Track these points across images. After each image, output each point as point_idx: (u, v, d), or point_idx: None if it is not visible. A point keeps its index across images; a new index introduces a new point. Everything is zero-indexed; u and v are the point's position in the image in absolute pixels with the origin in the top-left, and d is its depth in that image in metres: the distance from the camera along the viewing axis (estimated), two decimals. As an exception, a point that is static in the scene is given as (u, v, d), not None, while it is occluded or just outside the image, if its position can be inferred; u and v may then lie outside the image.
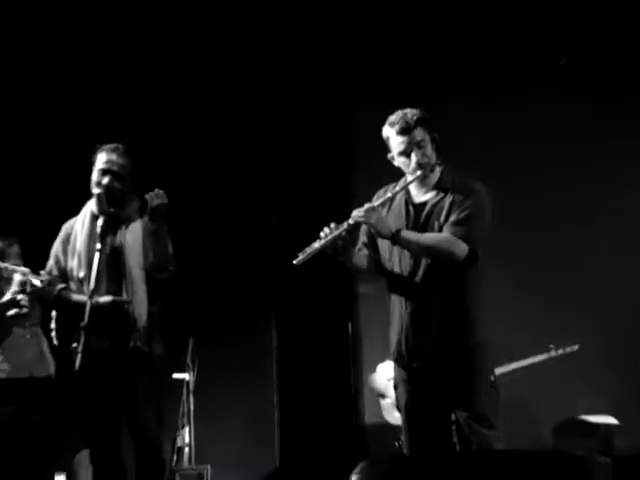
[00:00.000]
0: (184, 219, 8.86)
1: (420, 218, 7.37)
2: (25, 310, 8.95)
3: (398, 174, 7.54)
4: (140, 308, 8.22)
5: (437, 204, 7.36)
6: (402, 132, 7.34)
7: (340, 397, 11.91)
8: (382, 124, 7.81)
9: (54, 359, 9.94)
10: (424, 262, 7.27)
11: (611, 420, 10.68)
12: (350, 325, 11.89)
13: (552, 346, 10.20)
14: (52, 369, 9.96)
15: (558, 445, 10.07)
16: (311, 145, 12.46)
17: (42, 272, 8.45)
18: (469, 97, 8.11)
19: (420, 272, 7.29)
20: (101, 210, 8.28)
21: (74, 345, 8.04)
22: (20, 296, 8.76)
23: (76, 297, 8.12)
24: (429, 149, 7.36)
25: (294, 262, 7.28)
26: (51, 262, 8.52)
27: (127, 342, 8.14)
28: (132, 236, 8.36)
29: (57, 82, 11.65)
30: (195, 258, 8.78)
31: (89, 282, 8.02)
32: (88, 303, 7.93)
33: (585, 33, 11.67)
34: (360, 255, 7.52)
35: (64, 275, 8.37)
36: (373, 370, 11.15)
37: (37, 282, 8.37)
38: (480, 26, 11.49)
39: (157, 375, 8.45)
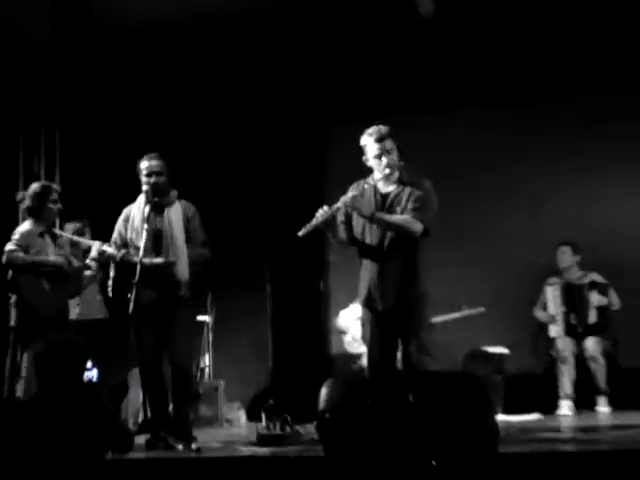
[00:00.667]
0: (209, 211, 9.01)
1: (386, 204, 7.75)
2: (94, 272, 9.24)
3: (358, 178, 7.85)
4: (183, 268, 8.40)
5: (398, 194, 7.76)
6: (377, 141, 7.73)
7: (314, 334, 12.08)
8: (351, 142, 8.09)
9: (107, 307, 10.12)
10: (388, 235, 7.62)
11: (503, 350, 10.84)
12: (322, 284, 12.13)
13: (465, 306, 10.36)
14: (106, 314, 10.15)
15: (466, 368, 10.19)
16: (297, 157, 12.43)
17: (110, 243, 8.70)
18: (418, 118, 8.12)
19: (386, 242, 7.64)
20: (148, 200, 8.48)
21: (128, 296, 8.29)
22: (91, 262, 9.05)
23: (135, 259, 8.27)
24: (395, 155, 7.75)
25: (298, 234, 7.67)
26: (115, 235, 8.64)
27: (172, 293, 8.35)
28: (175, 216, 8.53)
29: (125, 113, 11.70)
30: (214, 236, 8.88)
31: (141, 249, 8.26)
32: (139, 265, 8.20)
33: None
34: (341, 230, 7.82)
35: (125, 244, 8.51)
36: (337, 315, 11.34)
37: (110, 250, 8.60)
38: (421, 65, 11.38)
39: (188, 317, 8.73)
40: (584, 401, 10.59)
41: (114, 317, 9.64)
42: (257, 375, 12.16)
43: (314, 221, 7.62)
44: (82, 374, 6.58)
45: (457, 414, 6.37)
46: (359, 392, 6.68)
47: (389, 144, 7.76)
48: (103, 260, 8.83)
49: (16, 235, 9.01)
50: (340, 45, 11.49)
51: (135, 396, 10.24)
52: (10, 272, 8.93)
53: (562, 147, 11.68)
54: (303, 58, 11.71)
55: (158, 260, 8.34)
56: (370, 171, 7.88)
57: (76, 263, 9.18)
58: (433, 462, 6.12)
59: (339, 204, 7.63)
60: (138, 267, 8.22)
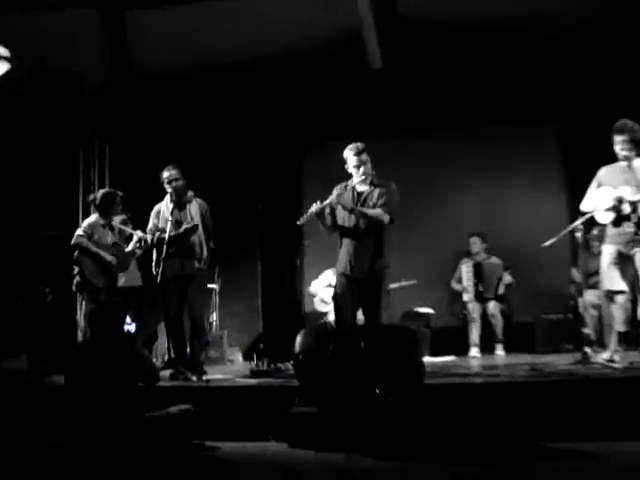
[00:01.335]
0: (216, 208, 8.98)
1: (360, 200, 7.72)
2: (136, 254, 9.24)
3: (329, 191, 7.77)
4: (201, 247, 8.44)
5: (370, 193, 7.74)
6: (356, 154, 7.71)
7: (292, 297, 12.09)
8: (322, 158, 8.18)
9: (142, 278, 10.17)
10: (361, 222, 7.61)
11: (430, 311, 10.91)
12: (298, 261, 12.10)
13: (403, 279, 10.36)
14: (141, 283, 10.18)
15: (403, 323, 10.22)
16: (281, 168, 12.41)
17: (146, 232, 8.78)
18: (372, 140, 8.10)
19: (360, 228, 7.62)
20: (172, 200, 8.44)
21: (157, 269, 8.29)
22: (136, 249, 9.07)
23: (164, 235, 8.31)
24: (369, 165, 7.74)
25: (297, 223, 7.71)
26: (150, 225, 8.63)
27: (192, 266, 8.37)
28: (195, 210, 8.53)
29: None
30: (220, 227, 8.88)
31: (167, 235, 8.28)
32: (165, 247, 8.20)
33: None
34: (328, 219, 7.75)
35: (157, 231, 8.52)
36: (309, 284, 11.37)
37: (147, 237, 8.70)
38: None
39: (203, 285, 8.82)
40: (487, 347, 10.69)
41: (148, 285, 9.59)
42: (250, 327, 12.18)
43: (309, 212, 7.60)
44: (123, 327, 6.60)
45: (395, 356, 6.45)
46: (324, 339, 6.77)
47: (364, 157, 7.75)
48: (142, 246, 8.87)
49: (85, 224, 9.05)
50: (314, 86, 11.41)
51: (162, 342, 10.28)
52: (76, 251, 8.91)
53: (474, 164, 11.73)
54: (284, 97, 11.63)
55: (185, 226, 8.33)
56: (350, 176, 7.82)
57: (125, 248, 9.19)
58: (377, 390, 6.20)
59: (328, 200, 7.62)
60: (164, 246, 8.21)
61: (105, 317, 6.45)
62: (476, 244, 11.12)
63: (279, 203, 12.43)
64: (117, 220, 9.62)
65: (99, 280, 8.95)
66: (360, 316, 7.95)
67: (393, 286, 9.29)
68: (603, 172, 7.86)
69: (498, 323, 10.69)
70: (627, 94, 10.07)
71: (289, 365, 7.80)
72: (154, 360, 9.21)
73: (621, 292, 7.77)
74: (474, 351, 10.62)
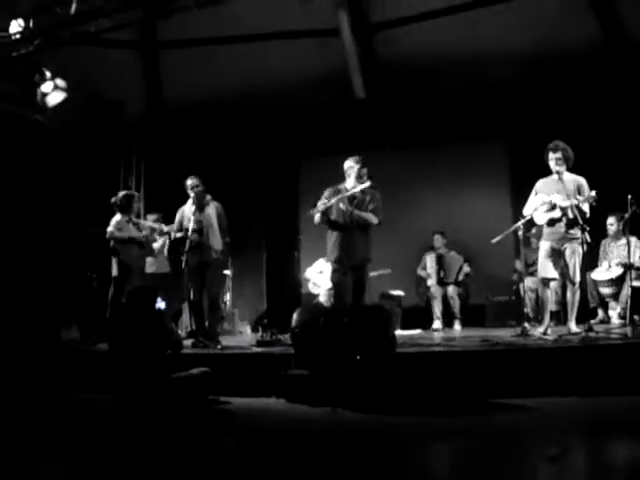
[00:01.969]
0: (231, 211, 9.01)
1: (354, 204, 7.64)
2: (161, 246, 9.28)
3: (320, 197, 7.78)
4: (216, 242, 8.47)
5: (361, 198, 7.68)
6: (362, 166, 7.70)
7: (291, 281, 12.03)
8: (315, 171, 8.17)
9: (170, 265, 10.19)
10: (355, 221, 7.56)
11: (401, 293, 10.89)
12: (296, 252, 12.13)
13: (380, 268, 10.31)
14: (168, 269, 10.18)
15: (379, 303, 10.22)
16: (280, 179, 12.46)
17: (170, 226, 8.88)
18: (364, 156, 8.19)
19: (352, 224, 7.55)
20: (193, 203, 8.49)
21: (182, 259, 8.31)
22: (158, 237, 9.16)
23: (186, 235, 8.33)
24: (366, 176, 7.70)
25: (317, 208, 7.61)
26: (176, 223, 8.69)
27: (210, 256, 8.38)
28: (212, 212, 8.55)
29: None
30: (234, 226, 8.90)
31: (190, 232, 8.31)
32: (188, 241, 8.25)
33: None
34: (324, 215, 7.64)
35: (181, 229, 8.55)
36: (304, 271, 11.36)
37: (167, 228, 8.80)
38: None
39: (219, 272, 8.84)
40: (447, 322, 10.70)
41: (174, 271, 9.60)
42: (257, 305, 12.22)
43: (320, 209, 7.55)
44: (154, 305, 6.63)
45: (373, 329, 6.46)
46: (315, 316, 6.79)
47: (365, 170, 7.73)
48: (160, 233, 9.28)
49: (112, 222, 9.11)
50: (308, 113, 11.42)
51: (185, 318, 10.30)
52: (111, 243, 9.00)
53: (437, 176, 11.74)
54: (284, 122, 11.68)
55: (191, 226, 8.35)
56: (343, 179, 7.79)
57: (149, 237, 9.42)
58: (357, 357, 6.22)
59: (334, 200, 7.54)
60: (187, 242, 8.23)
61: (140, 297, 6.48)
62: (438, 240, 11.14)
63: (280, 207, 12.50)
64: (151, 218, 9.73)
65: (135, 263, 9.13)
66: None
67: (373, 274, 9.31)
68: (540, 183, 7.93)
69: (456, 303, 10.73)
70: (560, 119, 10.13)
71: (287, 336, 7.81)
72: (179, 332, 9.21)
73: (553, 279, 7.87)
74: (437, 323, 10.61)
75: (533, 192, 7.95)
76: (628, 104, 10.23)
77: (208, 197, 8.70)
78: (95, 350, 8.36)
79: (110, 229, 9.03)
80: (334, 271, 7.78)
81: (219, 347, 8.08)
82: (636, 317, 8.09)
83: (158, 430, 5.50)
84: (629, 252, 8.47)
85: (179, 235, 8.63)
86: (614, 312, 9.27)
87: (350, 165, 7.79)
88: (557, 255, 7.73)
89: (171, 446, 4.94)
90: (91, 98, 10.23)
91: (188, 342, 8.27)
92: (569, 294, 7.81)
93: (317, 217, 7.70)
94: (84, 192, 10.72)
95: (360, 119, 11.35)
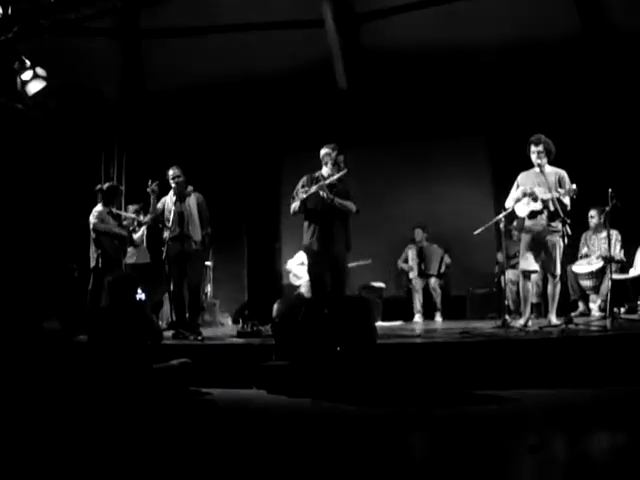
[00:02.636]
0: (213, 203, 9.00)
1: (333, 192, 7.50)
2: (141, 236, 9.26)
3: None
4: (196, 233, 8.41)
5: (337, 186, 7.56)
6: (338, 153, 7.63)
7: (272, 272, 12.12)
8: (298, 164, 8.10)
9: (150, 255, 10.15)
10: (332, 209, 7.44)
11: (381, 284, 10.90)
12: (277, 244, 12.17)
13: (361, 259, 10.30)
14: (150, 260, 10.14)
15: (360, 294, 10.24)
16: (263, 173, 12.43)
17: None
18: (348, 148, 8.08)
19: (330, 213, 7.45)
20: (174, 193, 8.46)
21: (163, 249, 8.33)
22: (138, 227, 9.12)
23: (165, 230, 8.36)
24: (342, 164, 7.63)
25: (303, 196, 7.49)
26: (159, 209, 8.58)
27: (190, 246, 8.32)
28: (192, 203, 8.50)
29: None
30: (216, 218, 8.87)
31: (170, 221, 8.31)
32: (169, 231, 8.29)
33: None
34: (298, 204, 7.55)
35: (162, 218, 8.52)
36: (285, 262, 11.36)
37: (145, 219, 8.84)
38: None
39: (199, 262, 8.73)
40: (428, 314, 10.76)
41: (155, 262, 9.58)
42: (238, 297, 12.20)
43: (301, 197, 7.47)
44: (135, 295, 6.60)
45: (353, 320, 6.47)
46: (296, 307, 6.78)
47: (341, 157, 7.69)
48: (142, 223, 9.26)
49: (95, 213, 9.06)
50: (291, 104, 11.41)
51: (166, 308, 10.25)
52: (94, 234, 8.96)
53: (420, 169, 11.76)
54: (267, 112, 11.64)
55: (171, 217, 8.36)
56: (320, 167, 7.73)
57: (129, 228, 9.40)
58: (338, 348, 6.22)
59: (314, 189, 7.44)
60: (169, 232, 8.25)
61: (121, 287, 6.46)
62: (419, 233, 11.24)
63: (262, 198, 12.45)
64: (131, 209, 9.70)
65: (116, 255, 9.08)
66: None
67: (352, 265, 9.32)
68: (521, 176, 7.95)
69: (437, 295, 10.83)
70: (540, 113, 10.15)
71: (268, 328, 7.80)
72: (160, 323, 9.18)
73: (534, 271, 7.91)
74: (417, 317, 10.74)
75: (515, 185, 7.97)
76: (608, 94, 10.27)
77: (190, 188, 8.65)
78: (75, 341, 8.31)
79: (93, 220, 9.00)
80: (313, 262, 7.68)
81: (199, 338, 8.06)
82: (616, 310, 8.18)
83: (138, 420, 5.47)
84: (609, 245, 8.52)
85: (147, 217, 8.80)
86: (594, 305, 9.33)
87: (327, 152, 7.71)
88: (538, 248, 7.76)
89: (152, 436, 4.92)
90: (72, 87, 10.16)
91: (169, 333, 8.24)
92: (550, 286, 7.85)
93: (296, 205, 7.60)
94: (65, 182, 10.64)
95: (343, 111, 11.33)
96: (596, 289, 9.32)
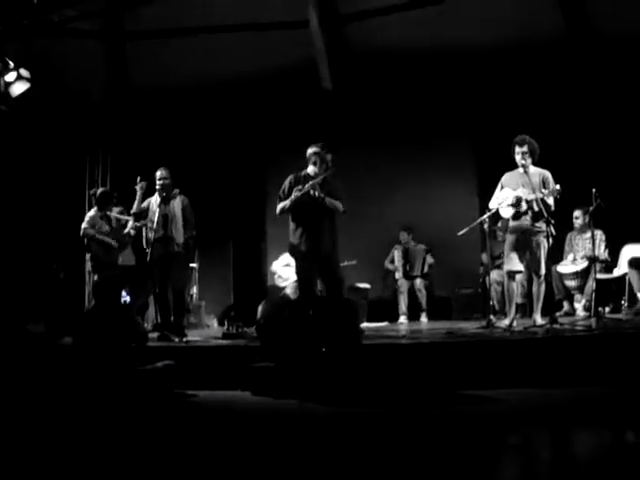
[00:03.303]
0: (200, 205, 8.99)
1: (323, 191, 7.43)
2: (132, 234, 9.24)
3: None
4: (179, 235, 8.39)
5: (325, 185, 7.51)
6: (328, 152, 7.61)
7: (257, 274, 12.09)
8: (284, 166, 8.07)
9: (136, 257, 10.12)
10: (321, 209, 7.40)
11: (367, 285, 10.89)
12: (263, 245, 12.16)
13: (346, 260, 10.27)
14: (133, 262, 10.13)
15: (345, 295, 10.23)
16: (250, 174, 12.35)
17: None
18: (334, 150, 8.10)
19: (319, 212, 7.40)
20: (160, 195, 8.44)
21: (148, 250, 8.31)
22: (132, 231, 9.08)
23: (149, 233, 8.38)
24: (331, 163, 7.61)
25: (293, 195, 7.41)
26: (144, 207, 8.56)
27: (173, 249, 8.30)
28: (177, 205, 8.47)
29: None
30: (202, 219, 8.85)
31: (155, 223, 8.27)
32: (154, 233, 8.26)
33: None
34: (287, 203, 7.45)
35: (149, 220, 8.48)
36: (270, 264, 11.31)
37: (138, 224, 8.76)
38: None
39: (182, 264, 8.64)
40: (413, 315, 10.78)
41: (140, 264, 9.55)
42: (224, 299, 12.14)
43: (295, 196, 7.38)
44: (120, 297, 6.59)
45: (339, 321, 6.45)
46: (280, 308, 6.76)
47: (330, 156, 7.64)
48: (135, 228, 8.95)
49: (87, 218, 9.17)
50: (276, 106, 11.42)
51: (152, 310, 10.19)
52: (85, 240, 9.09)
53: (406, 170, 11.67)
54: (252, 113, 11.63)
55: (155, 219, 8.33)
56: (306, 166, 7.68)
57: (122, 233, 9.31)
58: (323, 349, 6.21)
59: (307, 188, 7.36)
60: (152, 234, 8.23)
61: (105, 289, 6.44)
62: (404, 234, 11.26)
63: (248, 200, 12.37)
64: (115, 211, 9.66)
65: (106, 259, 9.14)
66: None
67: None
68: (505, 177, 7.96)
69: (423, 296, 10.84)
70: (525, 114, 10.17)
71: (253, 329, 7.78)
72: (145, 325, 9.15)
73: (519, 272, 7.92)
74: (402, 318, 10.74)
75: (499, 185, 7.99)
76: (592, 96, 10.32)
77: (176, 191, 8.63)
78: (60, 344, 8.27)
79: (84, 225, 9.08)
80: (302, 263, 7.62)
81: (184, 340, 8.04)
82: (601, 309, 8.21)
83: (123, 423, 5.45)
84: (594, 245, 8.56)
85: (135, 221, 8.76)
86: (579, 304, 9.38)
87: (315, 151, 7.65)
88: (522, 248, 7.77)
89: (137, 438, 4.90)
90: (55, 88, 10.13)
91: (154, 335, 8.22)
92: (535, 287, 7.86)
93: (286, 205, 7.52)
94: (50, 184, 10.62)
95: (328, 112, 11.30)
96: (581, 289, 9.37)
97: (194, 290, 11.54)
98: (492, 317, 8.15)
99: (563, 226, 9.04)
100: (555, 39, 10.10)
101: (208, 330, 10.77)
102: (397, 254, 11.17)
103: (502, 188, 7.93)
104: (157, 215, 8.33)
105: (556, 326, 7.38)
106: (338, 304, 6.99)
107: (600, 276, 8.85)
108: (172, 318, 8.44)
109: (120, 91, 11.57)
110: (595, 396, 5.71)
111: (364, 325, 9.47)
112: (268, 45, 10.89)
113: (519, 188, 7.69)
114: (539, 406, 5.54)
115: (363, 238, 11.30)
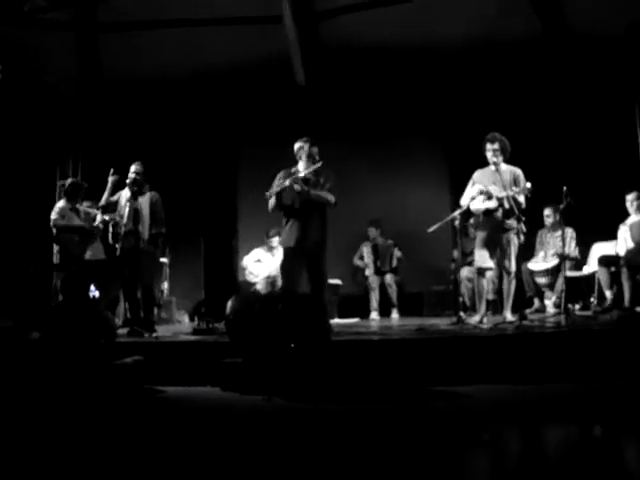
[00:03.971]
0: (171, 199, 8.93)
1: (308, 185, 7.42)
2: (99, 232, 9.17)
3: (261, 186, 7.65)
4: (145, 231, 8.28)
5: (314, 179, 7.50)
6: (311, 145, 7.52)
7: (228, 270, 11.99)
8: (255, 159, 8.02)
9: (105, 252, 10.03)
10: (308, 204, 7.36)
11: (338, 281, 10.85)
12: (234, 241, 12.10)
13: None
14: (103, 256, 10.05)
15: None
16: (220, 167, 12.25)
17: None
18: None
19: (306, 207, 7.37)
20: (131, 189, 8.39)
21: (117, 245, 8.29)
22: (100, 225, 9.01)
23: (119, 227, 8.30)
24: (317, 156, 7.54)
25: (266, 194, 7.37)
26: (114, 199, 8.49)
27: (141, 245, 8.21)
28: (146, 200, 8.39)
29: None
30: (172, 214, 8.80)
31: (124, 218, 8.26)
32: (123, 227, 8.23)
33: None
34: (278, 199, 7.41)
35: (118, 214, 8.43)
36: (241, 260, 11.31)
37: (106, 218, 8.68)
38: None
39: (150, 259, 8.46)
40: (385, 311, 10.78)
41: (110, 258, 9.47)
42: (194, 294, 12.04)
43: (272, 190, 7.35)
44: (88, 292, 6.53)
45: (307, 317, 6.42)
46: (250, 304, 6.71)
47: (315, 149, 7.57)
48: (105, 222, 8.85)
49: (56, 209, 9.08)
50: (248, 101, 11.38)
51: (122, 306, 10.14)
52: (55, 231, 8.98)
53: (377, 167, 11.67)
54: (224, 106, 11.56)
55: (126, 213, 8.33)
56: (296, 163, 7.61)
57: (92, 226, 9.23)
58: (292, 345, 6.18)
59: (287, 183, 7.31)
60: (123, 228, 8.17)
61: (72, 284, 6.37)
62: (372, 231, 11.27)
63: (219, 195, 12.28)
64: (85, 205, 9.58)
65: (78, 250, 9.09)
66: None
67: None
68: (477, 174, 7.98)
69: (393, 291, 10.85)
70: (497, 112, 10.24)
71: (222, 325, 7.74)
72: (116, 320, 9.08)
73: (489, 269, 7.92)
74: (374, 314, 10.72)
75: (470, 182, 8.01)
76: (564, 95, 10.40)
77: (147, 186, 8.57)
78: (28, 339, 8.19)
79: (54, 216, 9.00)
80: (287, 258, 7.61)
81: (154, 336, 7.98)
82: (570, 306, 8.24)
83: (91, 419, 5.39)
84: (564, 243, 8.60)
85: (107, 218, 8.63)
86: (550, 301, 9.44)
87: (300, 146, 7.61)
88: (493, 245, 7.79)
89: (104, 434, 4.85)
90: (26, 80, 10.03)
91: (124, 331, 8.18)
92: (505, 283, 7.90)
93: (272, 202, 7.50)
94: (20, 178, 10.52)
95: (301, 107, 11.32)
96: (551, 286, 9.43)
97: (165, 286, 11.45)
98: (462, 314, 8.15)
99: (534, 224, 9.09)
100: (529, 37, 10.17)
101: (179, 326, 10.72)
102: (366, 250, 11.16)
103: (473, 185, 7.94)
104: (127, 209, 8.28)
105: (526, 323, 7.44)
106: (307, 300, 6.97)
107: (570, 274, 8.92)
108: (142, 313, 8.38)
109: (92, 83, 11.48)
110: (564, 392, 5.75)
111: (335, 321, 9.47)
112: (242, 39, 10.90)
113: (490, 185, 7.71)
114: (508, 402, 5.56)
115: (334, 234, 11.17)
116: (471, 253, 8.94)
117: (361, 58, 10.88)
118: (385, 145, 11.74)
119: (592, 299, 9.22)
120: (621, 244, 9.00)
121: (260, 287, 10.49)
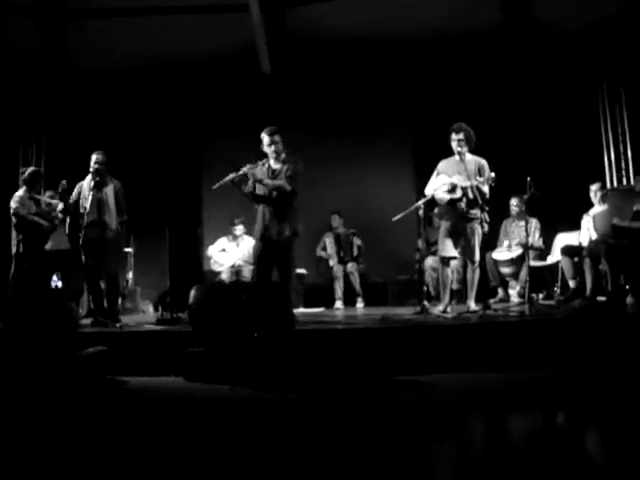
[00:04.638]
0: (135, 189, 8.87)
1: (275, 175, 7.40)
2: (59, 221, 9.06)
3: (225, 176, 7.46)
4: (112, 221, 8.24)
5: (281, 169, 7.43)
6: (270, 135, 7.42)
7: (193, 259, 11.96)
8: (219, 151, 7.93)
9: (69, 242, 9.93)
10: (274, 193, 7.34)
11: (303, 271, 10.88)
12: (199, 230, 12.01)
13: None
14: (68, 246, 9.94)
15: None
16: (184, 159, 12.23)
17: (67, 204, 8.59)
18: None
19: (273, 196, 7.35)
20: (94, 179, 8.26)
21: (80, 234, 8.18)
22: (59, 215, 8.87)
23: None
24: (280, 145, 7.45)
25: (213, 187, 7.26)
26: (74, 198, 8.39)
27: (106, 235, 8.15)
28: (110, 190, 8.31)
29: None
30: (136, 203, 8.72)
31: (87, 208, 8.15)
32: (86, 217, 8.13)
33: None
34: (247, 188, 7.43)
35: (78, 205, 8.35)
36: (207, 249, 11.23)
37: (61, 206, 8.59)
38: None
39: (114, 249, 8.44)
40: (349, 302, 10.77)
41: (74, 248, 9.36)
42: (159, 284, 11.95)
43: (224, 180, 7.22)
44: (50, 283, 6.45)
45: (270, 306, 6.39)
46: (213, 293, 6.66)
47: (277, 137, 7.46)
48: (64, 213, 8.70)
49: (16, 197, 8.91)
50: (213, 90, 11.32)
51: (86, 296, 10.04)
52: (15, 219, 8.82)
53: (342, 157, 11.74)
54: (189, 95, 11.59)
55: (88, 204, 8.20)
56: (265, 155, 7.53)
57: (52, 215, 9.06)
58: (255, 334, 6.14)
59: (240, 172, 7.22)
60: (86, 217, 8.10)
61: (35, 275, 6.30)
62: (335, 219, 11.30)
63: (184, 185, 12.25)
64: (47, 195, 9.46)
65: (40, 239, 8.91)
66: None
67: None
68: (441, 164, 7.97)
69: (356, 279, 10.87)
70: (462, 102, 10.27)
71: (185, 315, 7.68)
72: (80, 311, 8.98)
73: (453, 258, 7.95)
74: (339, 304, 10.72)
75: (435, 172, 8.00)
76: (528, 85, 10.46)
77: (109, 176, 8.49)
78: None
79: (14, 205, 8.84)
80: (257, 248, 7.57)
81: (118, 326, 7.89)
82: (534, 296, 8.30)
83: (53, 410, 5.31)
84: (527, 233, 8.63)
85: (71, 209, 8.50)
86: (514, 291, 9.50)
87: (261, 136, 7.55)
88: (457, 234, 7.80)
89: (66, 424, 4.78)
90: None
91: (88, 321, 8.10)
92: (469, 273, 7.91)
93: (246, 192, 7.52)
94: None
95: (266, 96, 11.31)
96: (515, 276, 9.49)
97: (129, 275, 11.36)
98: (426, 303, 8.15)
99: (499, 213, 9.12)
100: (494, 29, 10.21)
101: (143, 315, 10.64)
102: (328, 241, 11.17)
103: (438, 174, 7.94)
104: (90, 199, 8.18)
105: (489, 312, 7.48)
106: (270, 289, 6.93)
107: (534, 263, 8.97)
108: (105, 303, 8.29)
109: (56, 71, 11.38)
110: (527, 380, 5.77)
111: (301, 311, 9.44)
112: (208, 27, 10.91)
113: (454, 175, 7.71)
114: (473, 391, 5.56)
115: (299, 223, 11.26)
116: (435, 242, 8.96)
117: (327, 47, 10.89)
118: (350, 135, 11.76)
119: (555, 289, 9.30)
120: (584, 234, 9.04)
121: (225, 276, 10.44)
